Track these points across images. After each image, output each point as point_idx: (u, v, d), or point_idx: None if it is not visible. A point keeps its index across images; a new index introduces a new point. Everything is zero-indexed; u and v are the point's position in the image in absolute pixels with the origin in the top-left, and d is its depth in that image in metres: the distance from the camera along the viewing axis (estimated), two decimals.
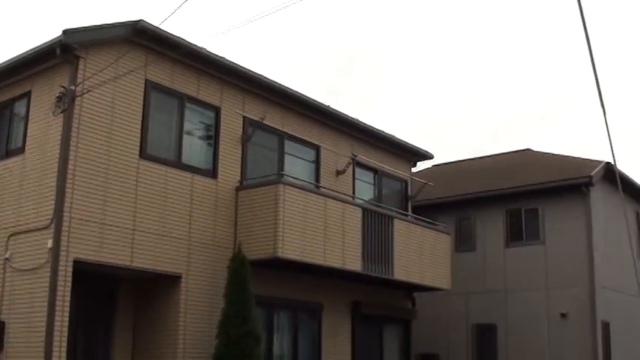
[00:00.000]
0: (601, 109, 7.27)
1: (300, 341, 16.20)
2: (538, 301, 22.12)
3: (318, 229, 15.22)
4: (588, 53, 6.98)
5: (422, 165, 23.01)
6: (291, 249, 14.54)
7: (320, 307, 16.72)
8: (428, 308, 23.26)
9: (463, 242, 23.85)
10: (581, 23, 6.89)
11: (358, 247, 16.24)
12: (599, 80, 7.07)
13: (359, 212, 16.50)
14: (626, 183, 24.32)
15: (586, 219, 21.89)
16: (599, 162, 22.82)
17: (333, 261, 15.51)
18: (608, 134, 7.05)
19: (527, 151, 27.89)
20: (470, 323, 23.08)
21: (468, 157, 29.59)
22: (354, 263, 16.07)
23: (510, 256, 22.87)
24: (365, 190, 19.17)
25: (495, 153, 28.60)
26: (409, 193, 20.78)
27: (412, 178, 20.94)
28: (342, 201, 16.25)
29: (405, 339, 19.84)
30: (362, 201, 17.93)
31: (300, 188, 15.18)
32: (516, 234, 23.03)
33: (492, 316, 22.77)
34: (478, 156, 29.26)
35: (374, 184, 19.53)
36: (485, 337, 22.89)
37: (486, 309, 22.90)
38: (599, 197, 22.85)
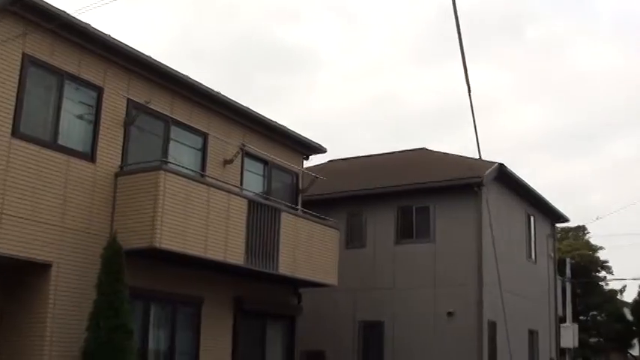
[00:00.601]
0: (467, 95, 7.08)
1: (177, 336, 15.62)
2: (426, 299, 22.21)
3: (200, 220, 14.70)
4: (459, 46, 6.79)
5: (316, 160, 22.80)
6: (169, 239, 13.98)
7: (200, 302, 16.19)
8: (315, 305, 23.02)
9: (354, 239, 23.75)
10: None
11: (242, 239, 15.80)
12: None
13: (245, 204, 16.05)
14: (517, 184, 24.68)
15: (476, 219, 22.05)
16: (492, 163, 23.02)
17: (215, 253, 15.01)
18: (474, 121, 6.85)
19: (422, 150, 28.01)
20: (357, 320, 22.96)
21: (364, 155, 29.50)
22: (236, 257, 15.61)
23: (400, 254, 22.88)
24: (254, 182, 18.73)
25: (391, 151, 28.65)
26: (300, 186, 20.43)
27: (304, 172, 20.61)
28: (228, 191, 15.74)
29: (290, 336, 19.51)
30: (248, 192, 17.49)
31: (182, 176, 14.62)
32: (407, 232, 23.07)
33: (380, 313, 22.75)
34: (374, 153, 29.26)
35: (264, 176, 19.11)
36: (372, 334, 22.85)
37: (374, 306, 22.85)
38: (491, 198, 23.00)
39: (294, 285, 19.37)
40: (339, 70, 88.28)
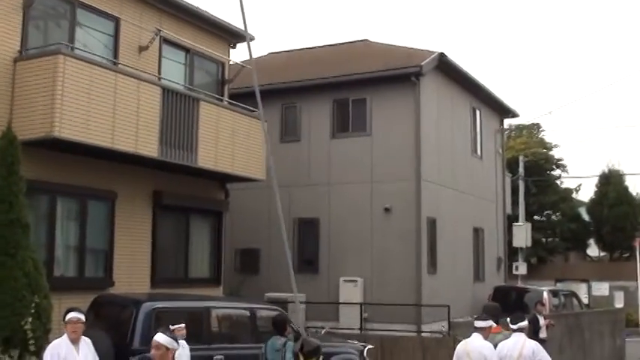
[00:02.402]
0: None
1: (88, 232, 15.26)
2: (362, 194, 22.08)
3: (106, 109, 14.12)
4: None
5: (256, 52, 22.19)
6: (71, 129, 13.43)
7: (113, 196, 15.74)
8: (248, 202, 22.87)
9: (288, 132, 23.45)
10: None
11: (155, 130, 15.28)
12: None
13: (158, 92, 15.46)
14: (460, 75, 24.35)
15: (415, 111, 21.78)
16: (432, 52, 22.62)
17: (124, 144, 14.51)
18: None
19: (364, 42, 27.49)
20: (292, 217, 22.80)
21: (305, 47, 28.92)
22: (149, 148, 15.13)
23: (336, 148, 22.64)
24: (175, 71, 18.14)
25: (332, 43, 28.11)
26: (226, 76, 19.90)
27: (230, 61, 20.04)
28: (138, 78, 15.12)
29: (216, 232, 19.26)
30: (165, 80, 16.92)
31: (85, 61, 13.97)
32: (343, 125, 22.80)
33: (315, 209, 22.65)
34: (315, 45, 28.73)
35: (185, 65, 18.53)
36: (307, 230, 22.79)
37: (310, 202, 22.71)
38: (431, 89, 22.75)
39: (220, 180, 19.03)
40: None
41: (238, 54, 47.26)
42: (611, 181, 47.45)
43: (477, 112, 26.91)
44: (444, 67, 23.28)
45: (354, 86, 22.35)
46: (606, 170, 48.33)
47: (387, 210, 21.63)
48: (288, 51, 29.06)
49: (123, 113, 14.52)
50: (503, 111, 29.59)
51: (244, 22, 6.79)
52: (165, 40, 17.65)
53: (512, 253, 38.37)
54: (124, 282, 15.76)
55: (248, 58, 24.88)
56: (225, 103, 18.77)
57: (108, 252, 15.72)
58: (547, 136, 49.58)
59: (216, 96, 18.74)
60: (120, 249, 15.92)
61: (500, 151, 30.02)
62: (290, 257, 6.98)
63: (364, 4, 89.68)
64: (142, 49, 16.90)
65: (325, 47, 27.79)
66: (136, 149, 14.85)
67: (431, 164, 22.27)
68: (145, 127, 15.05)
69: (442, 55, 22.47)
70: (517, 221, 38.32)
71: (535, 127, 49.62)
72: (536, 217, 45.84)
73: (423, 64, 21.41)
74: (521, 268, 37.41)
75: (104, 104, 14.15)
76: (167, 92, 15.81)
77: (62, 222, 14.84)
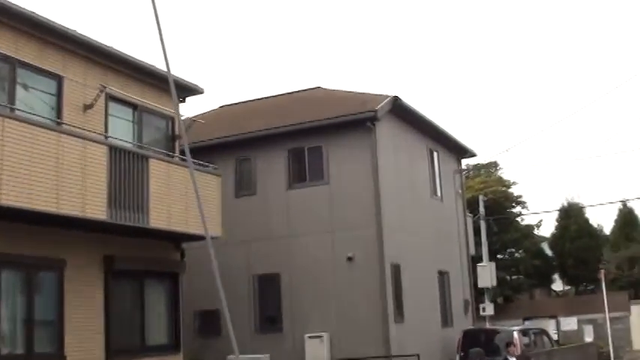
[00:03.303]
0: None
1: (36, 305, 14.46)
2: (323, 245, 21.55)
3: (49, 171, 13.48)
4: None
5: (207, 106, 21.75)
6: (12, 194, 12.75)
7: (61, 264, 15.00)
8: (205, 261, 22.12)
9: (243, 187, 22.89)
10: None
11: (103, 191, 14.65)
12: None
13: (104, 151, 14.87)
14: (415, 118, 24.09)
15: (372, 156, 21.42)
16: (386, 96, 22.32)
17: (70, 208, 13.84)
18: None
19: (317, 89, 27.18)
20: (252, 273, 22.19)
21: (258, 98, 28.52)
22: (97, 211, 14.47)
23: (293, 199, 22.11)
24: (123, 129, 17.56)
25: (285, 92, 27.74)
26: (176, 131, 19.34)
27: (180, 116, 19.47)
28: (83, 138, 14.52)
29: (174, 295, 18.54)
30: (109, 138, 16.27)
31: (24, 122, 13.37)
32: (300, 175, 22.32)
33: (276, 264, 22.05)
34: (268, 95, 28.32)
35: (133, 122, 17.94)
36: (268, 287, 22.14)
37: (269, 257, 22.14)
38: (387, 133, 22.43)
39: (174, 240, 18.37)
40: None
41: (189, 108, 46.73)
42: (571, 215, 47.52)
43: (435, 154, 26.65)
44: (399, 110, 22.99)
45: (309, 134, 21.93)
46: (566, 204, 48.43)
47: (349, 259, 21.12)
48: (239, 103, 28.67)
49: (68, 175, 13.88)
50: (460, 151, 29.40)
51: (167, 64, 6.29)
52: (112, 97, 17.07)
53: (478, 294, 38.00)
54: (75, 356, 14.94)
55: (198, 112, 24.77)
56: (175, 158, 18.16)
57: (57, 325, 14.89)
58: (505, 173, 49.52)
59: (167, 152, 18.14)
60: (71, 321, 15.08)
61: (460, 191, 29.80)
62: (228, 317, 6.38)
63: (316, 52, 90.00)
64: (87, 107, 16.27)
65: (278, 97, 27.42)
66: (84, 213, 14.19)
67: (391, 209, 21.83)
68: (92, 189, 14.42)
69: (396, 99, 22.18)
70: (481, 261, 38.01)
71: (493, 166, 49.63)
72: (499, 256, 45.59)
73: (377, 108, 21.10)
74: (489, 308, 36.98)
75: (47, 167, 13.50)
76: (114, 151, 15.22)
77: (7, 295, 14.02)
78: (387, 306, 20.80)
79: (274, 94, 27.91)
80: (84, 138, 14.57)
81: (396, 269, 21.77)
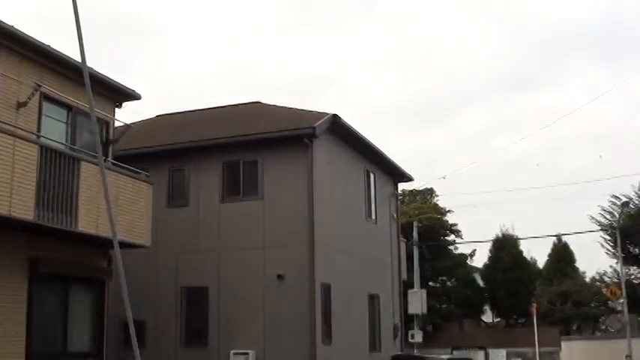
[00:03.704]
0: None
1: None
2: (254, 261, 21.58)
3: None
4: None
5: (144, 114, 21.65)
6: None
7: None
8: (134, 269, 21.97)
9: (175, 197, 22.83)
10: None
11: (32, 191, 14.55)
12: None
13: (35, 150, 14.77)
14: (353, 138, 24.32)
15: (308, 174, 21.51)
16: (325, 114, 22.51)
17: None
18: None
19: (256, 104, 27.28)
20: (179, 286, 22.12)
21: (196, 109, 28.50)
22: (24, 211, 14.34)
23: (226, 213, 22.13)
24: (56, 130, 17.44)
25: (223, 105, 27.77)
26: (111, 136, 19.27)
27: (115, 121, 19.43)
28: (13, 135, 14.41)
29: (99, 302, 18.37)
30: (41, 138, 16.16)
31: None
32: (234, 189, 22.33)
33: (204, 277, 21.99)
34: (206, 107, 28.32)
35: (67, 123, 17.83)
36: (195, 300, 22.05)
37: (198, 270, 22.08)
38: (324, 151, 22.60)
39: (102, 246, 18.23)
40: (191, 39, 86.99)
41: (125, 114, 46.29)
42: (505, 246, 48.32)
43: (372, 176, 26.93)
44: (337, 129, 23.20)
45: (245, 148, 22.01)
46: (500, 235, 49.24)
47: (279, 277, 21.14)
48: (177, 113, 28.60)
49: None
50: (397, 175, 29.75)
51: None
52: (46, 97, 16.96)
53: (407, 320, 38.33)
54: None
55: (135, 118, 24.64)
56: (108, 163, 18.06)
57: None
58: (441, 201, 50.18)
59: (96, 155, 17.99)
60: None
61: (395, 215, 30.08)
62: (134, 332, 6.45)
63: (257, 67, 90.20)
64: (20, 105, 16.15)
65: (216, 109, 27.42)
66: (10, 212, 14.04)
67: (325, 228, 21.98)
68: (21, 188, 14.29)
69: (335, 117, 22.38)
70: (412, 287, 38.37)
71: (429, 193, 50.28)
72: (431, 283, 46.13)
73: (316, 125, 21.26)
74: (417, 335, 37.35)
75: None
76: (45, 151, 15.12)
77: None
78: (315, 326, 20.85)
79: (213, 106, 27.93)
80: (14, 135, 14.44)
81: (326, 289, 21.88)
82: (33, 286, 16.12)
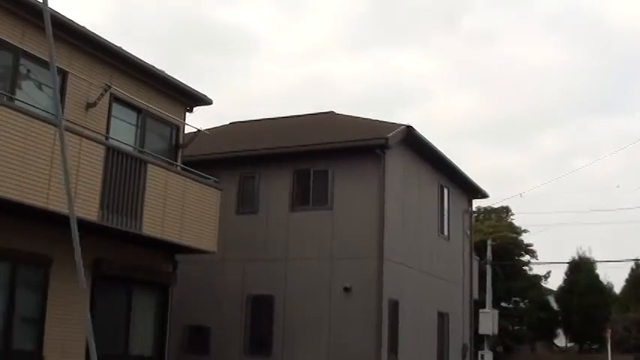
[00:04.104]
0: None
1: (18, 300, 14.23)
2: (321, 272, 21.17)
3: (42, 165, 13.30)
4: None
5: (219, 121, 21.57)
6: (3, 185, 12.60)
7: (48, 262, 14.76)
8: (201, 275, 21.98)
9: (245, 204, 22.58)
10: None
11: (96, 192, 14.45)
12: None
13: (101, 151, 14.68)
14: (429, 151, 23.78)
15: (379, 185, 21.01)
16: (399, 125, 22.03)
17: (60, 206, 13.61)
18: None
19: (330, 114, 26.98)
20: (246, 294, 21.87)
21: (269, 117, 28.33)
22: (89, 211, 14.25)
23: (295, 222, 21.78)
24: (125, 132, 17.38)
25: (298, 114, 27.53)
26: (181, 140, 19.14)
27: (186, 125, 19.30)
28: (79, 135, 14.32)
29: (162, 307, 18.25)
30: (108, 139, 16.07)
31: (19, 112, 13.18)
32: (303, 198, 21.97)
33: (271, 286, 21.65)
34: (280, 116, 28.11)
35: (137, 126, 17.75)
36: (261, 309, 21.74)
37: (265, 278, 21.77)
38: (397, 163, 22.12)
39: (168, 250, 18.11)
40: (274, 54, 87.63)
41: (197, 119, 46.47)
42: (581, 269, 47.01)
43: (445, 191, 26.31)
44: (412, 141, 22.68)
45: (316, 157, 21.64)
46: (577, 257, 47.93)
47: (346, 289, 20.68)
48: (251, 121, 28.49)
49: (60, 171, 13.62)
50: (472, 191, 29.04)
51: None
52: (116, 98, 16.91)
53: (477, 340, 37.48)
54: (54, 356, 14.63)
55: (207, 124, 24.56)
56: (176, 167, 17.94)
57: (40, 323, 14.61)
58: (517, 220, 49.03)
59: (166, 159, 17.89)
60: (53, 319, 14.82)
61: (469, 232, 29.36)
62: (92, 344, 6.04)
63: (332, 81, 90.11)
64: (89, 105, 16.11)
65: (290, 118, 27.19)
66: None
67: (394, 242, 21.46)
68: (85, 187, 14.20)
69: (410, 129, 21.87)
70: (484, 307, 37.55)
71: (504, 211, 49.20)
72: (503, 304, 45.08)
73: (389, 136, 20.76)
74: (487, 356, 36.58)
75: (41, 160, 13.29)
76: (112, 152, 15.03)
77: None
78: (381, 342, 20.31)
79: (286, 116, 27.72)
80: (81, 135, 14.36)
81: (394, 305, 21.32)
82: (96, 288, 16.02)
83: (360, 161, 21.33)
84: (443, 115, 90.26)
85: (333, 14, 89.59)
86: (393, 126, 22.14)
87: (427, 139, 23.18)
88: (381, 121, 23.43)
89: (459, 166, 26.26)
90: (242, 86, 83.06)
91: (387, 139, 20.69)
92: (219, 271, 22.04)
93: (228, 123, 29.19)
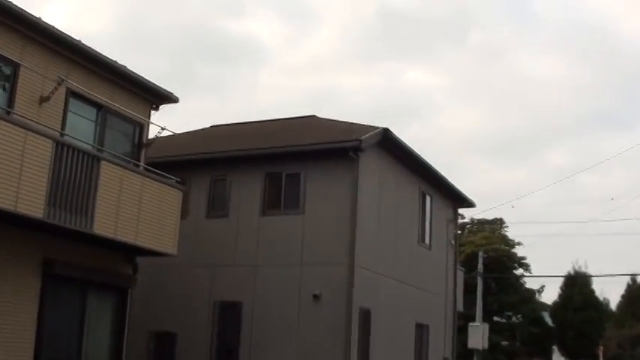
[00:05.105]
0: None
1: None
2: (291, 278, 20.73)
3: None
4: None
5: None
6: None
7: None
8: (168, 281, 21.60)
9: (216, 207, 22.17)
10: None
11: (43, 188, 13.98)
12: None
13: (48, 145, 14.19)
14: (406, 155, 23.35)
15: (352, 190, 20.57)
16: (376, 127, 21.58)
17: (1, 200, 13.21)
18: None
19: (312, 118, 26.63)
20: (213, 299, 21.43)
21: (250, 121, 27.97)
22: (33, 208, 13.80)
23: (266, 227, 21.35)
24: (83, 128, 16.98)
25: (280, 118, 27.18)
26: (144, 139, 18.72)
27: (150, 123, 18.88)
28: (24, 127, 13.87)
29: (120, 311, 17.73)
30: (58, 134, 15.62)
31: None
32: (275, 202, 21.54)
33: (239, 292, 21.23)
34: (261, 120, 27.77)
35: (96, 122, 17.35)
36: (229, 315, 21.29)
37: (233, 284, 21.38)
38: (373, 167, 21.69)
39: (127, 252, 17.67)
40: (282, 65, 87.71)
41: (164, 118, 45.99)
42: (577, 284, 46.51)
43: (428, 198, 25.85)
44: (389, 145, 22.22)
45: (288, 160, 21.21)
46: (572, 272, 47.44)
47: (315, 297, 20.20)
48: (231, 124, 28.13)
49: (3, 165, 13.22)
50: (457, 199, 28.56)
51: None
52: (73, 93, 16.49)
53: (467, 355, 37.03)
54: None
55: (195, 130, 24.23)
56: (133, 165, 17.48)
57: None
58: (510, 232, 48.57)
59: (123, 157, 17.44)
60: None
61: (453, 242, 28.86)
62: None
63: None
64: (43, 100, 15.69)
65: (270, 121, 26.85)
66: (16, 207, 13.49)
67: (367, 249, 20.99)
68: (30, 183, 13.72)
69: (386, 131, 21.39)
70: (474, 321, 37.07)
71: (498, 222, 48.73)
72: (496, 318, 44.58)
73: (362, 138, 20.28)
74: None
75: None
76: (61, 147, 14.54)
77: None
78: (349, 352, 19.82)
79: (268, 119, 27.36)
80: (25, 127, 13.88)
81: (365, 314, 20.83)
82: (46, 289, 15.54)
83: (333, 164, 20.88)
84: (450, 129, 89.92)
85: (340, 27, 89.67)
86: (370, 129, 21.70)
87: (405, 143, 22.71)
88: (359, 125, 22.94)
89: (441, 173, 25.79)
90: (249, 97, 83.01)
91: (360, 141, 20.22)
92: (189, 275, 21.63)
93: (209, 126, 28.89)
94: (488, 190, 78.02)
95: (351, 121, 23.91)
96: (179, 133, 26.17)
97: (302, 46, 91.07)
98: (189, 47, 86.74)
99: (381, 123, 22.23)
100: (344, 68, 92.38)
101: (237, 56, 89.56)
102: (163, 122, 32.91)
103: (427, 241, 25.99)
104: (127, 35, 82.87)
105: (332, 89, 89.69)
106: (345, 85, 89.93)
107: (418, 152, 23.66)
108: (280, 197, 21.43)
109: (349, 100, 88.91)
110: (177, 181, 18.10)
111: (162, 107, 19.37)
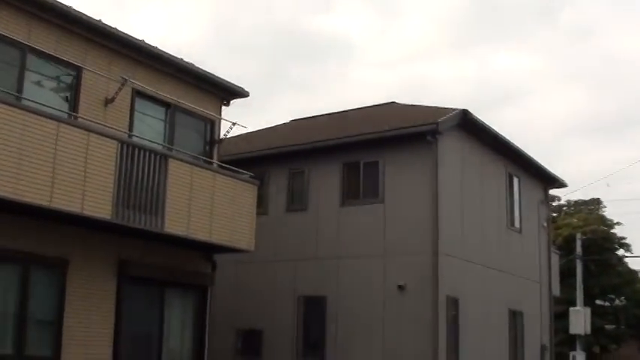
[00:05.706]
0: None
1: (32, 304, 13.79)
2: (374, 270, 20.25)
3: (44, 163, 12.76)
4: None
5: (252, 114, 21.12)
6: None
7: (63, 264, 14.26)
8: (250, 278, 21.45)
9: (295, 201, 21.87)
10: None
11: (109, 188, 13.85)
12: None
13: (113, 146, 14.09)
14: (490, 136, 22.58)
15: (432, 175, 19.91)
16: (454, 109, 20.91)
17: (67, 203, 13.09)
18: None
19: (392, 104, 26.13)
20: (297, 294, 21.15)
21: (329, 112, 27.64)
22: (100, 209, 13.69)
23: (345, 218, 20.92)
24: (152, 127, 16.89)
25: (358, 107, 26.77)
26: (216, 135, 18.53)
27: (221, 119, 18.66)
28: (87, 130, 13.78)
29: (200, 310, 17.60)
30: (130, 136, 15.55)
31: (14, 107, 12.68)
32: (353, 192, 21.08)
33: (323, 286, 20.89)
34: (342, 110, 27.41)
35: (165, 121, 17.22)
36: (313, 310, 20.97)
37: (316, 279, 21.03)
38: (453, 151, 21.03)
39: (205, 251, 17.52)
40: (372, 58, 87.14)
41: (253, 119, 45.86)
42: None
43: (515, 180, 24.95)
44: (469, 126, 21.48)
45: (366, 148, 20.71)
46: None
47: (400, 288, 19.67)
48: (310, 117, 27.90)
49: (65, 168, 13.15)
50: (547, 180, 27.53)
51: None
52: (139, 93, 16.38)
53: (569, 340, 35.97)
54: None
55: (276, 126, 24.06)
56: (202, 162, 17.30)
57: (57, 326, 14.15)
58: (608, 212, 46.88)
59: (193, 154, 17.30)
60: (73, 323, 14.33)
61: (545, 224, 27.85)
62: None
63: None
64: (108, 101, 15.61)
65: (349, 111, 26.50)
66: (83, 210, 13.41)
67: (452, 236, 20.35)
68: (95, 184, 13.65)
69: (465, 112, 20.68)
70: (574, 305, 35.95)
71: (595, 203, 47.14)
72: (598, 302, 43.17)
73: (439, 121, 19.63)
74: (580, 358, 35.00)
75: (42, 158, 12.80)
76: (125, 146, 14.43)
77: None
78: (438, 342, 19.22)
79: (347, 109, 26.97)
80: (87, 130, 13.79)
81: (453, 302, 20.19)
82: (122, 291, 15.50)
83: (411, 150, 20.29)
84: (545, 113, 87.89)
85: (429, 16, 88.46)
86: (448, 111, 21.04)
87: (487, 124, 21.92)
88: (439, 107, 22.29)
89: (528, 153, 24.86)
90: (340, 93, 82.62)
91: (437, 124, 19.59)
92: (271, 272, 21.44)
93: (289, 120, 28.73)
94: (586, 171, 75.69)
95: (431, 105, 23.32)
96: (259, 130, 26.15)
97: (392, 37, 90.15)
98: (279, 48, 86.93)
99: (474, 108, 21.41)
100: (435, 56, 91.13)
101: (326, 52, 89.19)
102: (255, 124, 33.05)
103: (517, 224, 25.10)
104: (222, 42, 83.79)
105: (426, 78, 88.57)
106: (436, 73, 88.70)
107: (506, 136, 22.89)
108: (359, 187, 20.96)
109: (442, 89, 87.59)
110: (250, 176, 17.82)
111: (233, 102, 19.14)
